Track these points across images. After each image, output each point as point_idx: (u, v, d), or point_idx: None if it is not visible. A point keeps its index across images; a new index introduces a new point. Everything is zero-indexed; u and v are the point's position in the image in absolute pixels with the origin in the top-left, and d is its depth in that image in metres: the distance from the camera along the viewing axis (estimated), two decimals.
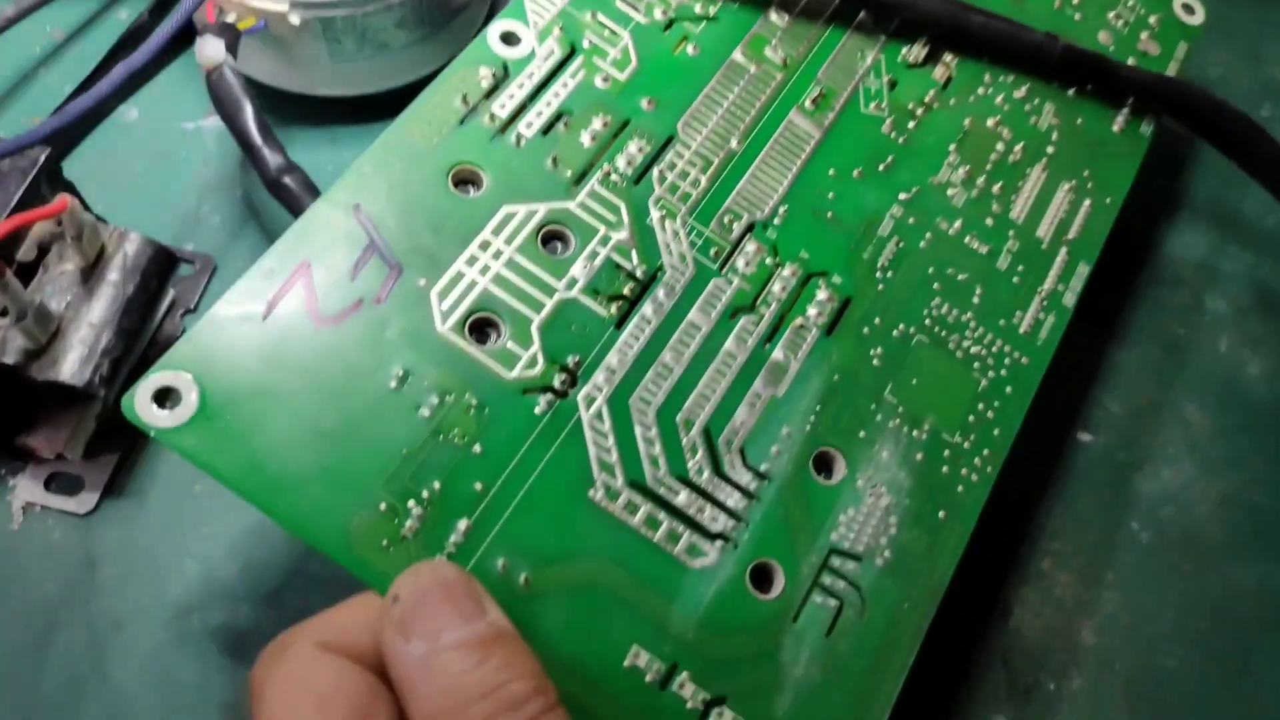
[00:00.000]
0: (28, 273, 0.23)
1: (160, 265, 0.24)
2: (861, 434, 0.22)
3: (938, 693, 0.24)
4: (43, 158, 0.23)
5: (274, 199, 0.24)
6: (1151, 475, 0.27)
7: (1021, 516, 0.26)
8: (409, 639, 0.17)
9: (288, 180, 0.24)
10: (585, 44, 0.24)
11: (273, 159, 0.24)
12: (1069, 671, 0.25)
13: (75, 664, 0.23)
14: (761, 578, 0.21)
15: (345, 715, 0.16)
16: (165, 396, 0.19)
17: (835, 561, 0.21)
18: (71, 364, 0.22)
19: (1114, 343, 0.29)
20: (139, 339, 0.24)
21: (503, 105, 0.23)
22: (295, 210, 0.23)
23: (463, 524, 0.19)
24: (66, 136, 0.29)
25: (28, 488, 0.24)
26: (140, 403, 0.18)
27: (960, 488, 0.22)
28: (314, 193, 0.24)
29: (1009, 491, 0.23)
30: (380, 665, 0.17)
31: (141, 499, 0.25)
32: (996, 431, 0.23)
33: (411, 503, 0.19)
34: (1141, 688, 0.25)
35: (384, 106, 0.23)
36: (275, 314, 0.20)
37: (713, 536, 0.21)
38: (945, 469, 0.22)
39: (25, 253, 0.23)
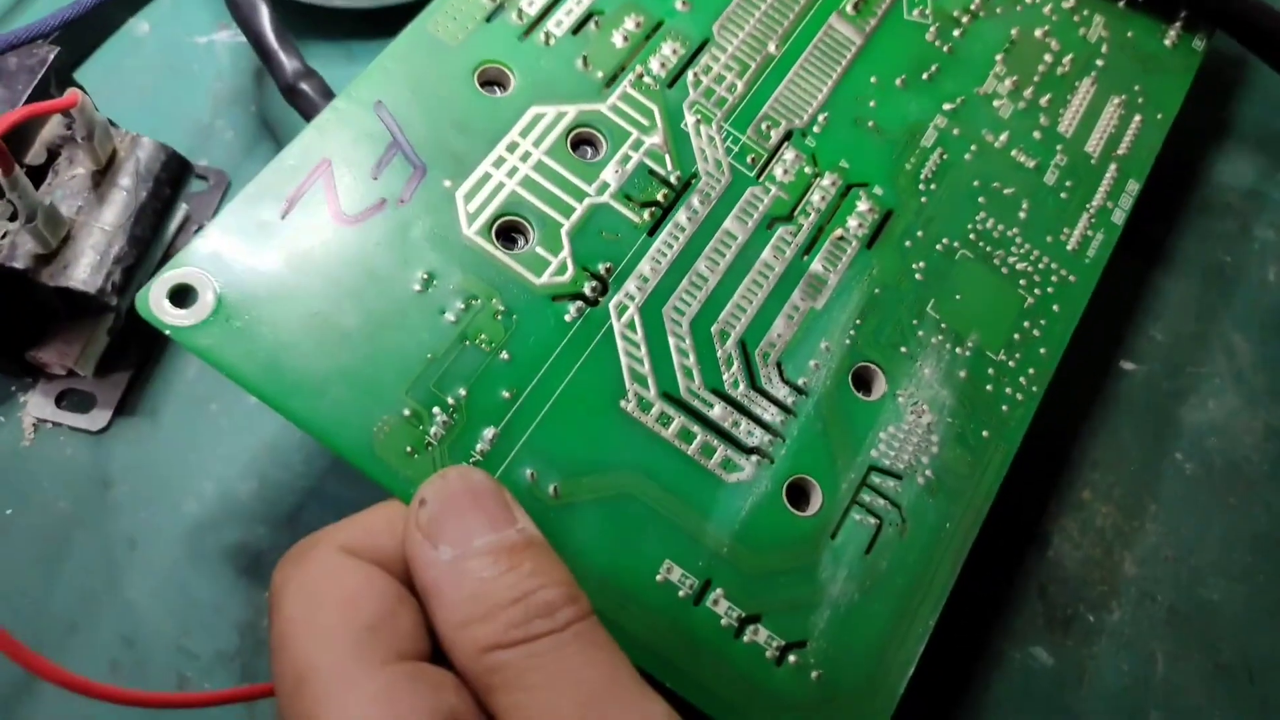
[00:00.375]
0: (37, 177, 0.22)
1: (173, 172, 0.23)
2: (903, 349, 0.21)
3: (974, 623, 0.23)
4: (51, 56, 0.22)
5: (290, 107, 0.24)
6: (1196, 405, 0.26)
7: (1061, 445, 0.25)
8: (436, 544, 0.16)
9: (304, 86, 0.23)
10: None
11: (289, 64, 0.23)
12: (1109, 603, 0.24)
13: (88, 581, 0.22)
14: (798, 494, 0.20)
15: (368, 620, 0.15)
16: (181, 295, 0.18)
17: (875, 479, 0.20)
18: (83, 270, 0.21)
19: (1159, 270, 0.28)
20: (152, 249, 0.23)
21: (531, 2, 0.22)
22: (312, 118, 0.22)
23: (489, 432, 0.18)
24: (76, 40, 0.28)
25: (39, 404, 0.24)
26: (155, 300, 0.18)
27: (1005, 406, 0.21)
28: (331, 99, 0.23)
29: (1048, 420, 0.22)
30: (404, 572, 0.16)
31: (155, 417, 0.24)
32: (1042, 350, 0.22)
33: (436, 409, 0.18)
34: (1183, 620, 0.24)
35: (402, 20, 0.22)
36: (294, 212, 0.19)
37: (748, 451, 0.20)
38: (989, 387, 0.21)
39: (34, 156, 0.22)
